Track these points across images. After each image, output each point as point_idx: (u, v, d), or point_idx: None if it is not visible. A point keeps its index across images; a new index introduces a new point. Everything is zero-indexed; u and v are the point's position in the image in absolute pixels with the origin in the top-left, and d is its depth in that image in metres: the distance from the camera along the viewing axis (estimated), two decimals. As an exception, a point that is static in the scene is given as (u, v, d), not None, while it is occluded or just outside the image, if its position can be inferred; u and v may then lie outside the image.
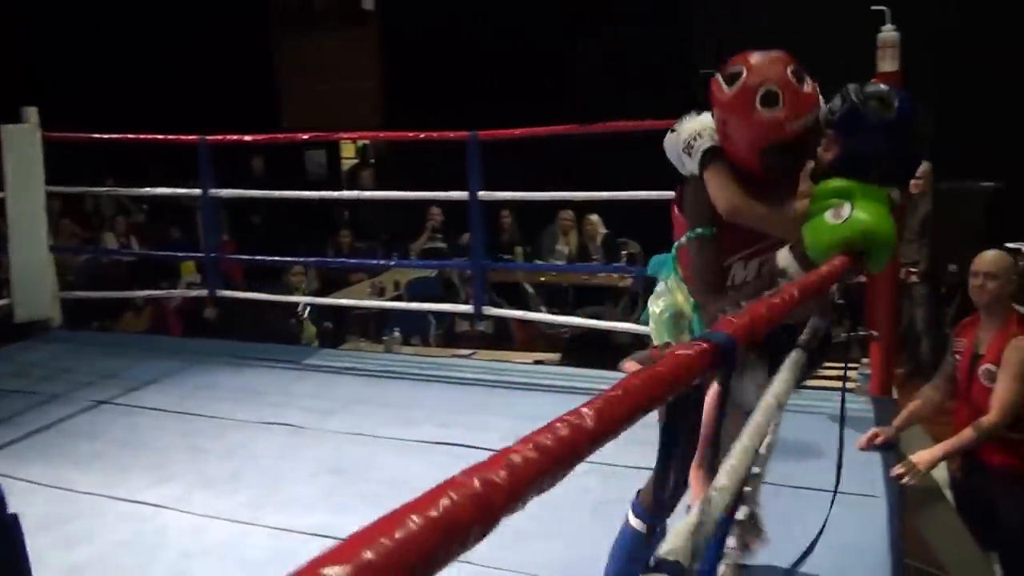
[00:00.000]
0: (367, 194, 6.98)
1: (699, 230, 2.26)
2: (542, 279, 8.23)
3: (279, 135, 5.63)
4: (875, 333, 4.27)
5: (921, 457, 3.41)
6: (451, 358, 5.76)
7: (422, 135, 4.99)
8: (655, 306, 2.49)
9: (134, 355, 5.43)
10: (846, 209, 1.95)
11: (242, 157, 9.10)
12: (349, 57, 10.31)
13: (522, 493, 0.62)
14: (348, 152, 11.29)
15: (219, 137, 5.16)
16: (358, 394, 4.73)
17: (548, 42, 9.75)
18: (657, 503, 2.25)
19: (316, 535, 3.09)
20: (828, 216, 1.97)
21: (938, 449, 3.45)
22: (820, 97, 2.15)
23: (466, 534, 0.56)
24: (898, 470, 3.41)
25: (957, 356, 3.69)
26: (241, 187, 6.31)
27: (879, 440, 3.81)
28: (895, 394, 4.43)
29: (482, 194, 4.77)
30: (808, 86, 2.10)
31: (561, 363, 5.93)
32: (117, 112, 9.02)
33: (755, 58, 2.13)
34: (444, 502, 0.56)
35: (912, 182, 6.94)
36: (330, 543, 0.52)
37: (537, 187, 5.27)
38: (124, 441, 4.11)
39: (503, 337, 7.82)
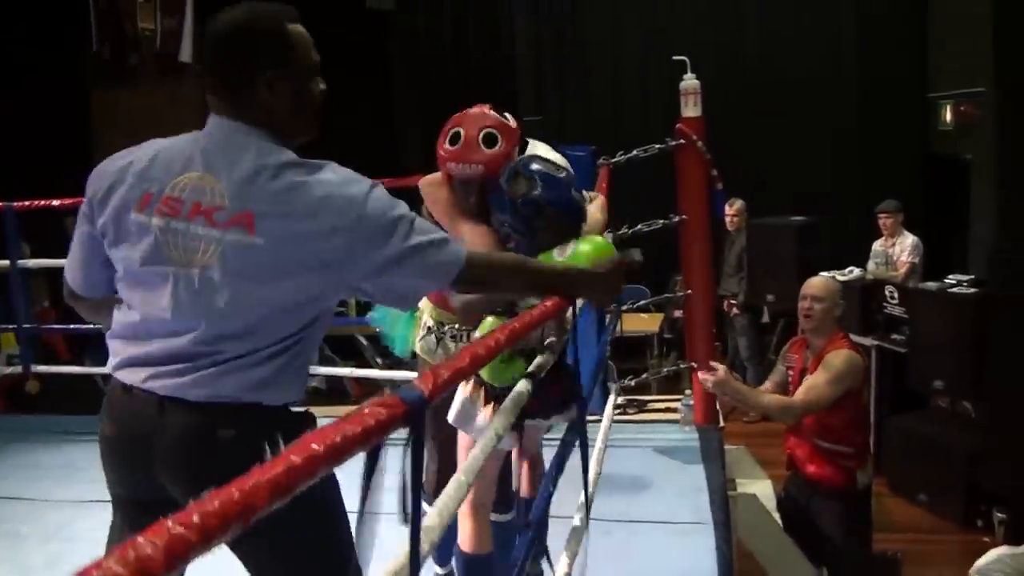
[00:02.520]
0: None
1: None
2: (376, 329, 8.11)
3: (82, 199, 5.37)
4: (695, 364, 4.42)
5: (726, 381, 3.60)
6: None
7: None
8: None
9: (-53, 438, 5.06)
10: (570, 246, 2.18)
11: (57, 216, 8.71)
12: (170, 111, 10.02)
13: (179, 564, 0.63)
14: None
15: (26, 203, 4.91)
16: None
17: (368, 90, 9.79)
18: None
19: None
20: (555, 253, 2.20)
21: (738, 393, 3.61)
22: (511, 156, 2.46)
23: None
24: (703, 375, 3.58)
25: (789, 370, 3.87)
26: (58, 247, 5.99)
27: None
28: (722, 422, 4.58)
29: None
30: (497, 148, 2.42)
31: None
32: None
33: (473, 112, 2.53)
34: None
35: (727, 219, 7.32)
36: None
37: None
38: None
39: (337, 392, 7.69)
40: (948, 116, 7.97)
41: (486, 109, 2.52)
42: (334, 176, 1.58)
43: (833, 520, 3.72)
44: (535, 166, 2.34)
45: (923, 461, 5.52)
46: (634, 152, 4.27)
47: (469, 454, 1.51)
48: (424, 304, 2.78)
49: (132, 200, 1.65)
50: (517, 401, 1.76)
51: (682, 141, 4.25)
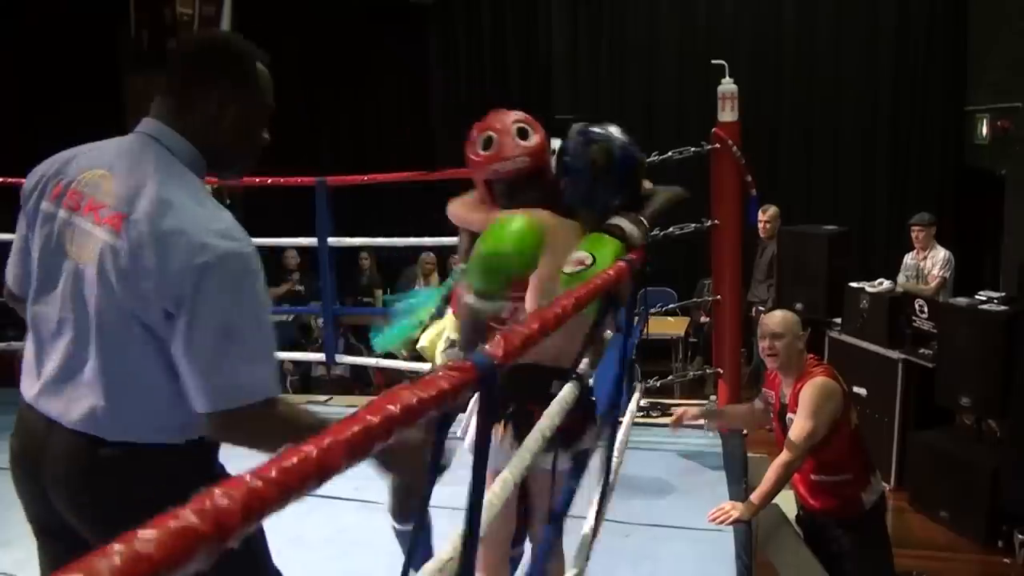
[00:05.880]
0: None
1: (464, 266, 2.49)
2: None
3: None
4: (720, 370, 4.40)
5: (737, 507, 3.48)
6: (306, 404, 5.65)
7: (269, 180, 4.86)
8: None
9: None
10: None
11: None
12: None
13: (255, 519, 0.62)
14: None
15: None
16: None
17: (405, 84, 9.82)
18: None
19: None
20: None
21: (753, 499, 3.51)
22: (547, 147, 2.47)
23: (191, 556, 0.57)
24: (713, 513, 3.47)
25: (770, 404, 3.83)
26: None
27: (678, 418, 3.88)
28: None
29: (332, 240, 4.65)
30: (532, 140, 2.42)
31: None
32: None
33: (493, 114, 2.50)
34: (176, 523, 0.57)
35: (760, 225, 7.27)
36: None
37: (404, 228, 5.20)
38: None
39: (360, 381, 7.73)
40: (984, 130, 7.88)
41: (502, 110, 2.51)
42: (203, 215, 1.55)
43: (846, 541, 3.69)
44: (595, 129, 2.38)
45: (946, 478, 5.47)
46: (669, 154, 4.25)
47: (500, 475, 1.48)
48: (448, 317, 2.76)
49: (48, 190, 1.66)
50: (552, 418, 1.72)
51: (717, 145, 4.23)
